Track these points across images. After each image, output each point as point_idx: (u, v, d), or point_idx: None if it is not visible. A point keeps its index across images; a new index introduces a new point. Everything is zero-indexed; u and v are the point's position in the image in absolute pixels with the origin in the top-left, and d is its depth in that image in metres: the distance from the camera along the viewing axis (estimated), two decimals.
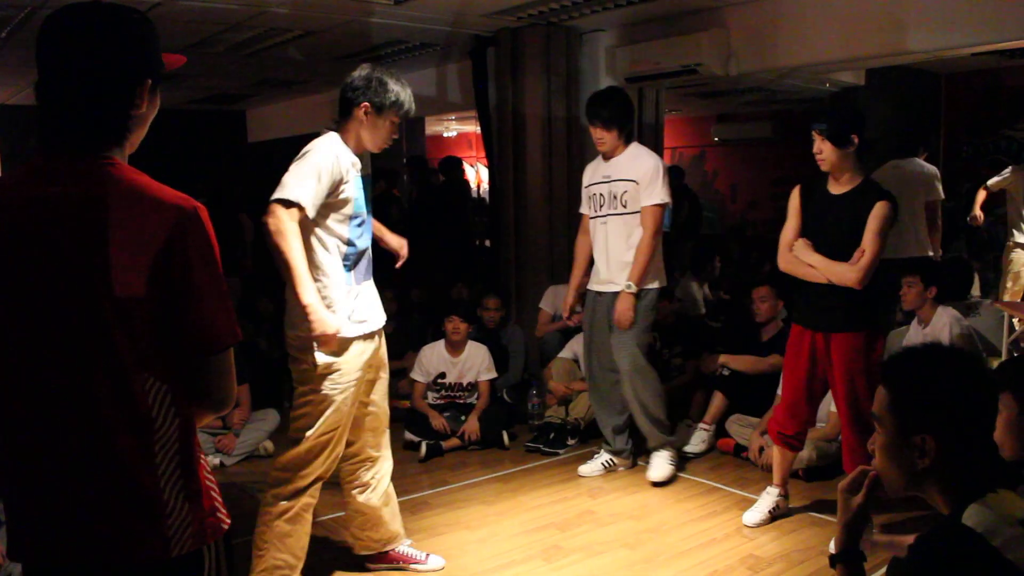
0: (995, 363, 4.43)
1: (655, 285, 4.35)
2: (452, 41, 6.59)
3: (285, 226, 2.78)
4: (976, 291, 6.44)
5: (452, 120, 13.04)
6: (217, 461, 4.78)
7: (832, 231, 3.53)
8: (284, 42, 6.46)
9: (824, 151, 3.49)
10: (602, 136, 4.33)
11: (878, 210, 3.41)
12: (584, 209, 4.56)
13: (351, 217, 3.00)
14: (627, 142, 4.38)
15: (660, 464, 4.44)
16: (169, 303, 1.45)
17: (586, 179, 4.54)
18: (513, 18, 5.83)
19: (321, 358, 2.97)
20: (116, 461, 1.47)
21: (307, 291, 2.83)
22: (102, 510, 1.48)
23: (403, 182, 9.96)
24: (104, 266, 1.42)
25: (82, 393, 1.46)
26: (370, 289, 3.18)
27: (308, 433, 3.01)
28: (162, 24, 5.71)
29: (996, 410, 1.72)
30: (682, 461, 4.73)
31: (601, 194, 4.38)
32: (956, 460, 1.63)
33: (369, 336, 3.12)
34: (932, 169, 6.15)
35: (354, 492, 3.34)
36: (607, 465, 4.59)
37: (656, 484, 4.38)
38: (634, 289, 4.23)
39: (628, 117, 4.39)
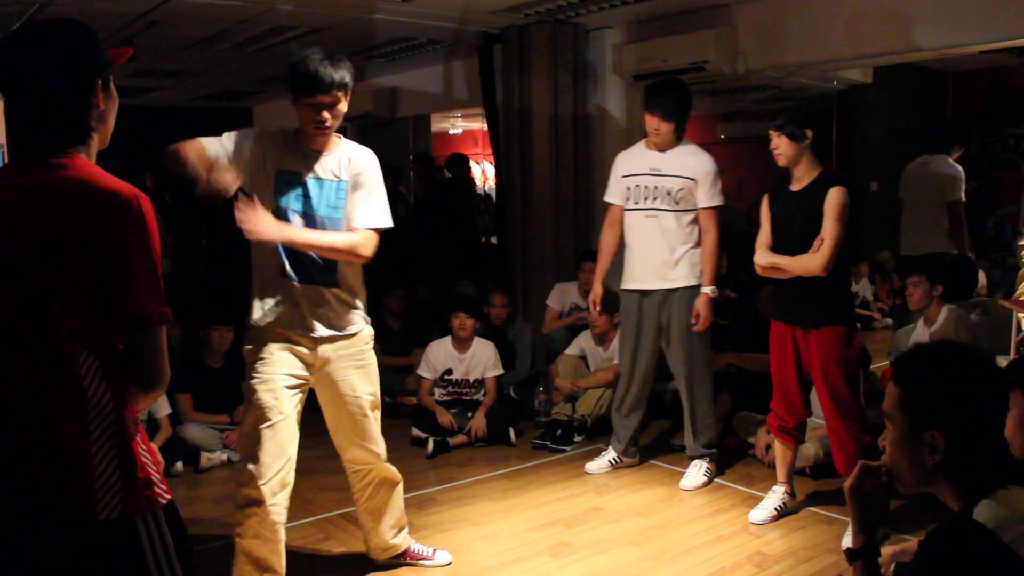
0: (1003, 362, 4.42)
1: None
2: (459, 38, 6.59)
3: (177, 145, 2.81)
4: (983, 290, 6.42)
5: (458, 117, 13.04)
6: (225, 457, 4.79)
7: (797, 227, 3.66)
8: (290, 39, 6.47)
9: (780, 146, 3.66)
10: (658, 127, 4.20)
11: (832, 197, 3.55)
12: (615, 199, 4.42)
13: (271, 214, 2.84)
14: (679, 138, 4.29)
15: (694, 473, 4.39)
16: (104, 279, 1.58)
17: (623, 168, 4.39)
18: (520, 15, 5.83)
19: (247, 341, 2.97)
20: (50, 428, 1.60)
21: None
22: (33, 473, 1.60)
23: (409, 179, 9.97)
24: (46, 245, 1.57)
25: (21, 362, 1.60)
26: (307, 293, 2.95)
27: (242, 422, 3.00)
28: (169, 21, 5.79)
29: (1006, 407, 1.73)
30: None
31: (647, 186, 4.26)
32: (966, 457, 1.63)
33: (298, 341, 2.96)
34: (954, 170, 6.04)
35: (354, 498, 3.34)
36: (613, 463, 4.60)
37: (686, 490, 4.34)
38: (716, 293, 4.26)
39: (687, 112, 4.30)
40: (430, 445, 4.92)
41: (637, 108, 6.24)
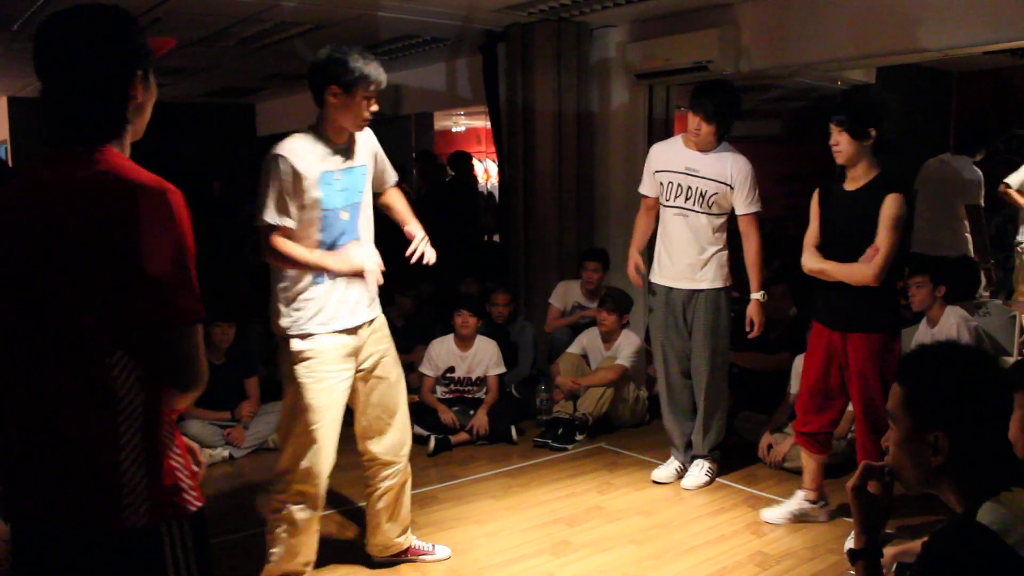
0: (1007, 363, 4.41)
1: None
2: (462, 36, 6.59)
3: (273, 247, 2.89)
4: (984, 291, 6.41)
5: (461, 115, 13.03)
6: (227, 453, 4.79)
7: (847, 228, 3.54)
8: (294, 36, 6.47)
9: (841, 143, 3.49)
10: (699, 127, 4.09)
11: (888, 204, 3.41)
12: (649, 192, 4.35)
13: (319, 218, 2.94)
14: (719, 140, 4.18)
15: (696, 472, 4.38)
16: (135, 276, 1.52)
17: (657, 163, 4.30)
18: (524, 13, 5.82)
19: (294, 345, 2.98)
20: (80, 431, 1.55)
21: (323, 262, 2.91)
22: (62, 477, 1.57)
23: (412, 177, 9.96)
24: (75, 241, 1.52)
25: (52, 364, 1.55)
26: (349, 286, 3.06)
27: (290, 425, 3.02)
28: (173, 18, 5.79)
29: (1010, 409, 1.72)
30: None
31: (679, 185, 4.19)
32: (970, 458, 1.63)
33: (346, 331, 3.05)
34: (975, 173, 5.94)
35: (367, 492, 3.35)
36: (679, 471, 4.48)
37: (688, 489, 4.33)
38: (765, 297, 4.26)
39: (731, 116, 4.17)
40: (432, 443, 4.92)
41: (640, 107, 6.26)
